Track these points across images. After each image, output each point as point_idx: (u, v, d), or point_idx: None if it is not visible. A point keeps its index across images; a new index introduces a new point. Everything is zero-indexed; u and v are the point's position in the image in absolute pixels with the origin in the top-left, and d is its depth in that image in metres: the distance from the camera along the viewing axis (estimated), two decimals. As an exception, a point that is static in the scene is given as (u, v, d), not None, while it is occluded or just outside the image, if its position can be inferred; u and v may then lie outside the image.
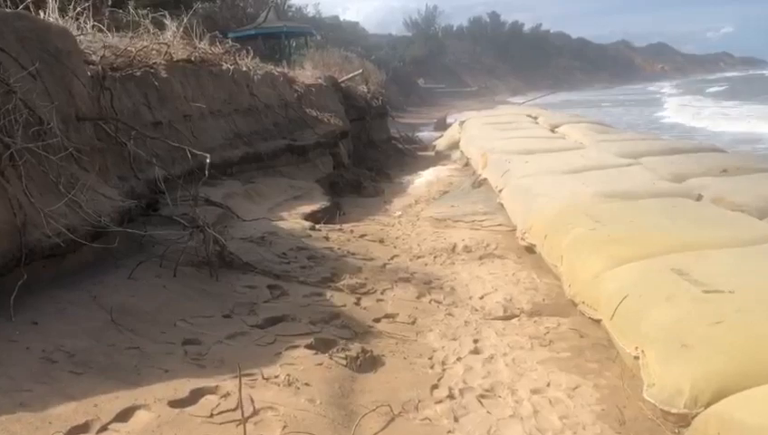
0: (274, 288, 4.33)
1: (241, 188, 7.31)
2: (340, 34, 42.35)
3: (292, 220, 6.74)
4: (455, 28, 75.46)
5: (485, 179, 9.37)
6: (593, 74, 79.58)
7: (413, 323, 4.30)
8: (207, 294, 3.97)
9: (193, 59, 8.15)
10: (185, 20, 8.26)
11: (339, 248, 5.90)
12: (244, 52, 9.99)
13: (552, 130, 13.02)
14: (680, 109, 35.64)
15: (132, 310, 3.44)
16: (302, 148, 9.34)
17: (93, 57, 5.73)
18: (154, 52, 7.60)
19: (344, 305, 4.26)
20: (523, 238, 6.41)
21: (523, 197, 7.16)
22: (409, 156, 16.53)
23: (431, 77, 55.78)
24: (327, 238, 6.30)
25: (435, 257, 6.28)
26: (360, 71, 14.69)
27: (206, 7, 29.83)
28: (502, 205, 7.89)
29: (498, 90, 62.00)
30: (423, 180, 11.86)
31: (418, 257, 6.23)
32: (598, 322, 4.29)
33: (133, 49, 7.24)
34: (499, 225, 7.52)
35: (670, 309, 3.51)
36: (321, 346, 3.52)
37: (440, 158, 16.19)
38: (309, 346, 3.47)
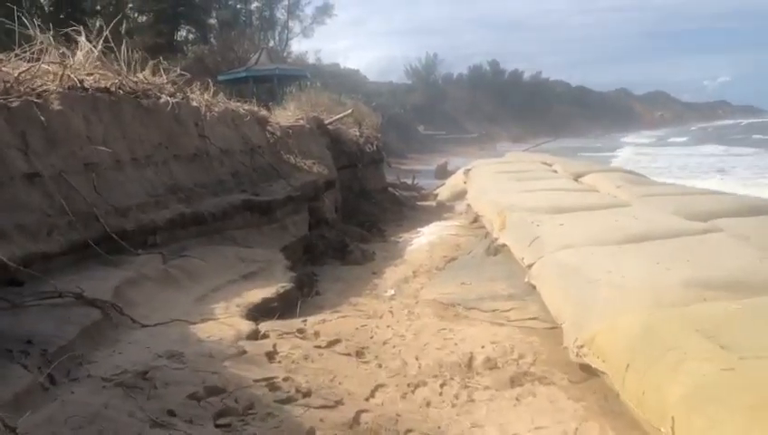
0: None
1: (160, 266, 4.94)
2: (340, 81, 40.80)
3: (226, 319, 4.37)
4: (455, 76, 74.21)
5: (504, 245, 7.02)
6: (593, 121, 78.01)
7: None
8: None
9: (113, 88, 5.90)
10: (105, 32, 6.05)
11: (285, 380, 3.50)
12: (199, 84, 7.78)
13: (575, 181, 10.75)
14: (627, 158, 37.83)
15: None
16: (267, 204, 7.01)
17: None
18: (51, 75, 5.38)
19: None
20: (578, 353, 4.03)
21: (570, 281, 4.80)
22: (408, 207, 14.25)
23: (431, 124, 54.31)
24: (272, 355, 3.91)
25: (442, 386, 3.89)
26: (350, 111, 12.51)
27: (196, 50, 28.13)
28: (533, 286, 5.55)
29: (499, 136, 60.50)
30: (424, 241, 9.51)
31: (416, 387, 3.83)
32: None
33: (11, 71, 5.02)
34: (532, 318, 5.15)
35: None
36: None
37: (443, 209, 13.91)
38: None
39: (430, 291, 6.30)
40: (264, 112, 9.25)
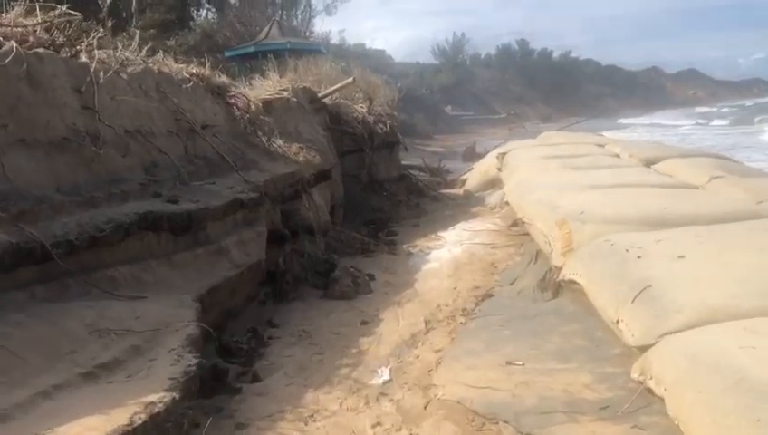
0: None
1: None
2: (364, 61, 37.86)
3: None
4: (483, 56, 70.08)
5: (574, 283, 4.11)
6: (624, 100, 73.27)
7: None
8: None
9: None
10: None
11: None
12: (99, 30, 4.94)
13: (649, 169, 7.74)
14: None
15: None
16: (186, 217, 4.18)
17: None
18: None
19: None
20: None
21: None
22: (429, 197, 11.27)
23: (459, 105, 51.10)
24: None
25: None
26: (351, 79, 9.56)
27: (204, 24, 25.38)
28: (653, 392, 2.66)
29: (527, 117, 56.80)
30: (446, 256, 6.62)
31: None
32: None
33: None
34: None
35: None
36: None
37: (470, 202, 10.95)
38: None
39: (452, 374, 3.43)
40: (221, 79, 6.41)
